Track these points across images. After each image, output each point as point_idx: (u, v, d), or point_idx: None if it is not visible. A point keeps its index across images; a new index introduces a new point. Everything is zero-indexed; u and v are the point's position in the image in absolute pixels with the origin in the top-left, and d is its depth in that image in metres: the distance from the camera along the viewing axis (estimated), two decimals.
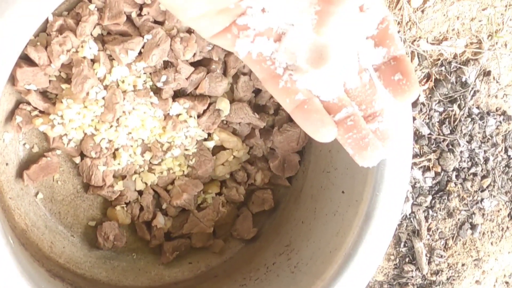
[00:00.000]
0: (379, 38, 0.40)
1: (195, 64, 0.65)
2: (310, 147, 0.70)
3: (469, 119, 0.82)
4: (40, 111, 0.63)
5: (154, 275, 0.68)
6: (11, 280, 0.51)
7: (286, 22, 0.39)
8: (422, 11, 0.78)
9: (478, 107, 0.82)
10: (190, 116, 0.65)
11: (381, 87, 0.40)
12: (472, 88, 0.81)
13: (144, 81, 0.64)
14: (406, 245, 0.82)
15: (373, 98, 0.41)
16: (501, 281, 0.86)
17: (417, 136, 0.80)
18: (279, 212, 0.72)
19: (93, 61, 0.62)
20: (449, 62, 0.80)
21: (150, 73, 0.64)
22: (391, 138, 0.41)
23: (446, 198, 0.82)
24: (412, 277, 0.82)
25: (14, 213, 0.62)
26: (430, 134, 0.81)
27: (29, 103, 0.62)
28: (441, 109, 0.81)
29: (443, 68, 0.80)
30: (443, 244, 0.83)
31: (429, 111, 0.81)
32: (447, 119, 0.81)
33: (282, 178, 0.71)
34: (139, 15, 0.62)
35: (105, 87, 0.62)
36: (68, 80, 0.62)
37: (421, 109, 0.80)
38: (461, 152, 0.82)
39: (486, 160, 0.83)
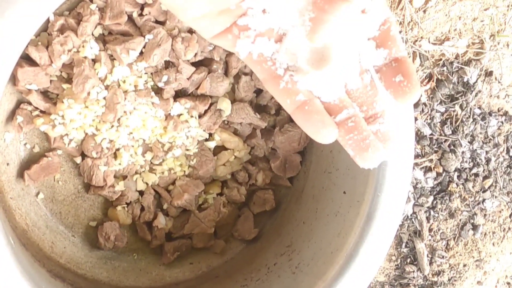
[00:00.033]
0: (381, 40, 0.40)
1: (197, 64, 0.65)
2: (311, 148, 0.70)
3: (471, 120, 0.81)
4: (41, 111, 0.63)
5: (155, 275, 0.68)
6: (11, 280, 0.51)
7: (286, 23, 0.39)
8: (424, 11, 0.78)
9: (480, 108, 0.82)
10: (191, 116, 0.65)
11: (382, 89, 0.40)
12: (474, 89, 0.81)
13: (145, 81, 0.64)
14: (408, 245, 0.82)
15: (374, 99, 0.40)
16: (502, 281, 0.86)
17: (419, 137, 0.80)
18: (280, 212, 0.71)
19: (94, 61, 0.62)
20: (451, 62, 0.80)
21: (151, 73, 0.64)
22: (392, 139, 0.41)
23: (447, 198, 0.82)
24: (414, 277, 0.82)
25: (15, 213, 0.62)
26: (431, 134, 0.81)
27: (30, 103, 0.62)
28: (442, 110, 0.81)
29: (445, 68, 0.80)
30: (444, 245, 0.83)
31: (431, 111, 0.80)
32: (449, 120, 0.81)
33: (284, 179, 0.70)
34: (140, 15, 0.62)
35: (106, 87, 0.62)
36: (69, 80, 0.62)
37: (422, 110, 0.80)
38: (462, 152, 0.82)
39: (488, 161, 0.83)
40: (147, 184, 0.67)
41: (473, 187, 0.83)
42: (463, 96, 0.81)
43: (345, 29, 0.38)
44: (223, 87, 0.65)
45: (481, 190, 0.83)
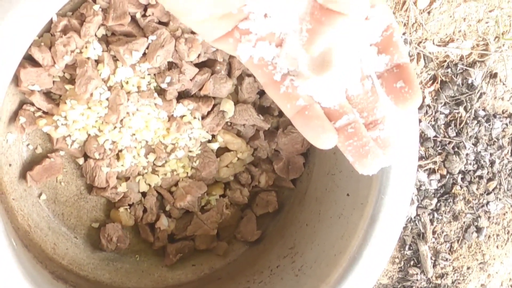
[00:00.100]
0: (383, 46, 0.40)
1: (200, 65, 0.65)
2: (314, 149, 0.69)
3: (475, 122, 0.81)
4: (44, 112, 0.62)
5: (157, 277, 0.68)
6: (13, 282, 0.51)
7: (287, 27, 0.39)
8: (429, 13, 0.77)
9: (484, 109, 0.82)
10: (194, 118, 0.65)
11: (383, 95, 0.40)
12: (479, 90, 0.81)
13: (148, 82, 0.64)
14: (411, 248, 0.82)
15: (375, 105, 0.41)
16: (506, 284, 0.86)
17: (423, 139, 0.80)
18: (283, 214, 0.71)
19: (97, 61, 0.61)
20: (455, 64, 0.80)
21: (154, 74, 0.64)
22: (392, 146, 0.41)
23: (451, 201, 0.82)
24: (417, 280, 0.82)
25: (17, 214, 0.62)
26: (435, 136, 0.80)
27: (32, 104, 0.62)
28: (447, 111, 0.80)
29: (449, 70, 0.80)
30: (448, 247, 0.82)
31: (435, 113, 0.80)
32: (453, 122, 0.81)
33: (287, 180, 0.70)
34: (144, 15, 0.62)
35: (109, 88, 0.62)
36: (72, 81, 0.62)
37: (426, 111, 0.80)
38: (467, 154, 0.81)
39: (492, 163, 0.83)
40: (149, 185, 0.67)
41: (477, 189, 0.82)
42: (467, 98, 0.80)
43: (347, 35, 0.38)
44: (226, 88, 0.65)
45: (485, 192, 0.83)
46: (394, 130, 0.41)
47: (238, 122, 0.67)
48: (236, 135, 0.68)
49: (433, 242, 0.82)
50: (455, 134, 0.81)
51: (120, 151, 0.64)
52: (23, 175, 0.63)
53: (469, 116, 0.81)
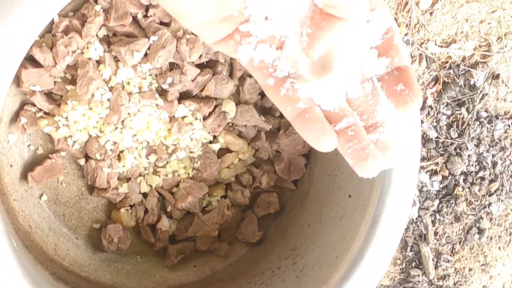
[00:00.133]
0: (383, 48, 0.40)
1: (201, 66, 0.64)
2: (316, 151, 0.69)
3: (477, 123, 0.81)
4: (45, 113, 0.62)
5: (158, 278, 0.68)
6: (14, 283, 0.50)
7: (288, 30, 0.39)
8: (431, 14, 0.77)
9: (486, 111, 0.82)
10: (196, 118, 0.65)
11: (384, 97, 0.40)
12: (481, 91, 0.80)
13: (149, 82, 0.63)
14: (413, 249, 0.81)
15: (375, 108, 0.41)
16: (508, 286, 0.86)
17: (425, 140, 0.80)
18: (285, 215, 0.71)
19: (98, 62, 0.61)
20: (458, 65, 0.80)
21: (156, 75, 0.64)
22: (392, 149, 0.41)
23: (453, 202, 0.81)
24: (419, 281, 0.81)
25: (18, 215, 0.62)
26: (437, 137, 0.80)
27: (34, 105, 0.62)
28: (449, 112, 0.80)
29: (451, 71, 0.80)
30: (450, 249, 0.82)
31: (437, 114, 0.80)
32: (455, 123, 0.81)
33: (288, 181, 0.70)
34: (145, 16, 0.62)
35: (111, 89, 0.62)
36: (73, 82, 0.62)
37: (428, 112, 0.80)
38: (469, 156, 0.81)
39: (494, 164, 0.82)
40: (151, 186, 0.67)
41: (479, 190, 0.82)
42: (469, 99, 0.80)
43: (347, 38, 0.38)
44: (228, 89, 0.65)
45: (487, 193, 0.83)
46: (395, 132, 0.41)
47: (240, 123, 0.67)
48: (238, 136, 0.68)
49: (435, 244, 0.82)
50: (457, 135, 0.81)
51: (121, 152, 0.64)
52: (24, 176, 0.63)
53: (471, 117, 0.81)
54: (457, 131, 0.81)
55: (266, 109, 0.69)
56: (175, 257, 0.68)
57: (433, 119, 0.80)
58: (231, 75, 0.66)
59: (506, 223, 0.84)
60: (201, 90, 0.65)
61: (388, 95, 0.40)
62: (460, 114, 0.80)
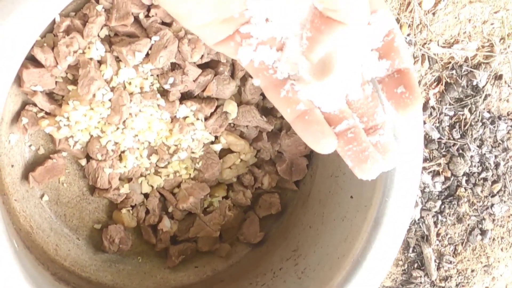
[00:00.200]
0: (384, 51, 0.40)
1: (203, 66, 0.64)
2: None
3: (480, 124, 0.81)
4: (46, 113, 0.62)
5: (159, 279, 0.68)
6: (14, 283, 0.50)
7: (288, 32, 0.38)
8: (433, 14, 0.77)
9: (489, 111, 0.82)
10: (197, 119, 0.65)
11: (384, 100, 0.40)
12: (483, 92, 0.80)
13: (151, 83, 0.63)
14: (415, 250, 0.81)
15: (375, 110, 0.41)
16: (511, 287, 0.85)
17: (427, 140, 0.80)
18: (286, 216, 0.71)
19: (100, 62, 0.61)
20: (460, 66, 0.79)
21: (157, 75, 0.63)
22: (392, 151, 0.41)
23: (455, 203, 0.81)
24: (421, 283, 0.81)
25: (19, 216, 0.62)
26: (440, 138, 0.80)
27: (35, 105, 0.62)
28: (451, 113, 0.80)
29: (454, 71, 0.79)
30: (452, 250, 0.82)
31: (440, 115, 0.80)
32: (458, 123, 0.80)
33: (290, 182, 0.70)
34: (147, 16, 0.62)
35: (112, 89, 0.62)
36: (74, 82, 0.62)
37: (431, 113, 0.79)
38: (471, 156, 0.81)
39: (497, 165, 0.82)
40: (152, 187, 0.67)
41: (481, 191, 0.82)
42: (472, 100, 0.80)
43: (347, 41, 0.38)
44: (230, 89, 0.65)
45: (489, 194, 0.82)
46: (396, 134, 0.41)
47: (241, 124, 0.66)
48: (239, 136, 0.68)
49: (437, 245, 0.81)
50: (459, 136, 0.81)
51: (123, 152, 0.64)
52: (25, 176, 0.63)
53: (474, 118, 0.80)
54: (459, 132, 0.80)
55: (267, 110, 0.69)
56: (176, 257, 0.68)
57: (436, 120, 0.80)
58: (232, 75, 0.66)
59: (508, 224, 0.84)
60: (203, 91, 0.65)
61: (389, 97, 0.40)
62: (463, 114, 0.80)
